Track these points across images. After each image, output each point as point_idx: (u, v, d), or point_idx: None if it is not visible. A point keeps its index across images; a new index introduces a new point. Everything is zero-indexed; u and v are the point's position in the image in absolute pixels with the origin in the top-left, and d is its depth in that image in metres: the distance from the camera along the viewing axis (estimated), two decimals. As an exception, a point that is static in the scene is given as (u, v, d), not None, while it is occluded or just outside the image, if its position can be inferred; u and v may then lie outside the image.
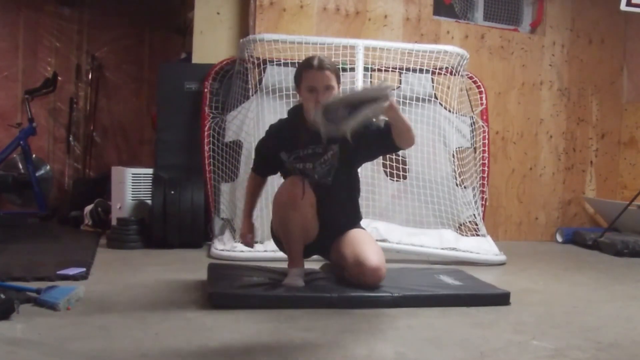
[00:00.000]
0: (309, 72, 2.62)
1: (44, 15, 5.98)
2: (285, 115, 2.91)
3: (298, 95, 2.77)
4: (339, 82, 2.67)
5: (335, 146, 2.67)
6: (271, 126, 2.89)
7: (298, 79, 2.69)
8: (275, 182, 2.99)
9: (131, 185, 4.32)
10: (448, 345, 2.03)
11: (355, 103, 2.25)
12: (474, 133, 4.55)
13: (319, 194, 2.65)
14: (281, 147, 2.75)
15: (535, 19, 5.37)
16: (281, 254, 2.87)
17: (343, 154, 2.69)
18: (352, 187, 2.84)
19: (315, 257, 2.90)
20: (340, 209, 2.78)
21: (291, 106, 3.94)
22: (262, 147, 2.88)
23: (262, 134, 3.96)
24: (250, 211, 2.92)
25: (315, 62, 2.62)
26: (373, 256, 2.61)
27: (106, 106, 6.24)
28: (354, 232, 2.77)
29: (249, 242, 2.91)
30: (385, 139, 2.58)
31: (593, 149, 5.50)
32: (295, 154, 2.72)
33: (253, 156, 3.00)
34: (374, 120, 2.45)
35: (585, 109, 5.44)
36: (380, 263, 2.61)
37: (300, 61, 2.68)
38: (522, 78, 5.19)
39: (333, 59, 3.88)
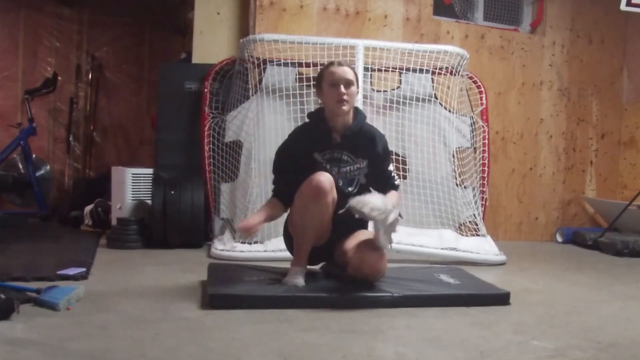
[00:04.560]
0: (330, 68, 2.73)
1: (44, 15, 5.98)
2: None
3: (319, 98, 2.82)
4: (357, 82, 2.77)
5: (364, 162, 2.76)
6: (292, 134, 2.88)
7: (319, 79, 2.77)
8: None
9: (131, 185, 4.32)
10: (448, 345, 2.03)
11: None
12: (474, 133, 4.54)
13: (338, 199, 2.65)
14: (312, 149, 2.75)
15: (535, 19, 5.37)
16: (281, 254, 2.86)
17: (369, 170, 2.78)
18: None
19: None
20: (354, 218, 2.77)
21: (291, 107, 3.99)
22: (285, 158, 2.81)
23: (262, 134, 4.02)
24: (266, 213, 2.75)
25: (335, 61, 2.81)
26: (375, 246, 2.62)
27: (106, 106, 6.24)
28: (358, 231, 2.81)
29: (251, 228, 2.65)
30: (378, 183, 2.77)
31: (593, 149, 5.49)
32: (324, 155, 2.75)
33: (272, 178, 2.87)
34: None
35: (585, 109, 5.44)
36: (382, 254, 2.62)
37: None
38: (522, 78, 5.19)
39: (333, 60, 3.92)
